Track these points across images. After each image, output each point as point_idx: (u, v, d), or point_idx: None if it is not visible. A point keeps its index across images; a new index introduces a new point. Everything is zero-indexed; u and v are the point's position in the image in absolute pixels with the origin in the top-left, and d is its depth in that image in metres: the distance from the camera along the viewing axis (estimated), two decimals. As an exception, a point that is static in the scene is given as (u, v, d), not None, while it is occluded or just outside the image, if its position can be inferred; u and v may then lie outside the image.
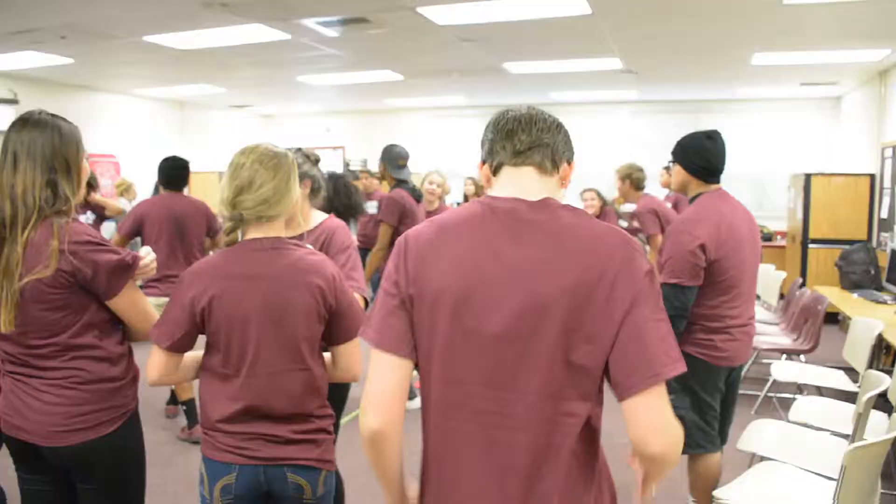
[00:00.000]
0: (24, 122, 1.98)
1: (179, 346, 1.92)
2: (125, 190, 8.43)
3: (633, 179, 5.70)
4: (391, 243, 5.07)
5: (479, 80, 8.97)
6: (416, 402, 4.78)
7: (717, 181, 3.08)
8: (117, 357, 2.06)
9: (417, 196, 5.32)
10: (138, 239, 4.71)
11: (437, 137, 12.26)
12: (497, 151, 1.46)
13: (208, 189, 10.20)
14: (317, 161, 2.74)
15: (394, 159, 5.20)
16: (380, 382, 1.39)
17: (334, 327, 2.00)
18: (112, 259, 1.94)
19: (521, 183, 1.43)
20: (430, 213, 5.48)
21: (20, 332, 1.93)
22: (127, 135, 10.04)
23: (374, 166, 12.14)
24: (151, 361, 1.93)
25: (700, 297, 2.94)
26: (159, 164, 4.82)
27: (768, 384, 5.05)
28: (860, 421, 2.71)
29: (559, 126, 1.50)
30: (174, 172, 4.77)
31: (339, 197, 4.07)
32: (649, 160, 9.90)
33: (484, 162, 1.51)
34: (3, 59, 7.22)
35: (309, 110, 12.76)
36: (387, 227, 5.05)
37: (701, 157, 3.02)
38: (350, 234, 2.77)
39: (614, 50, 7.02)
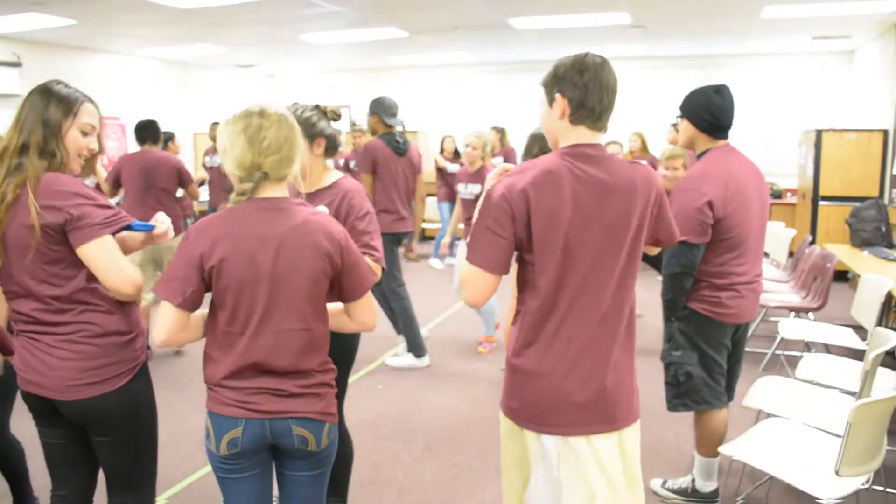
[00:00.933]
0: (33, 88, 2.06)
1: (190, 304, 1.91)
2: None
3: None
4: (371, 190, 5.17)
5: (484, 36, 8.84)
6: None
7: (726, 137, 3.03)
8: (124, 310, 2.11)
9: (398, 147, 5.29)
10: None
11: (442, 95, 12.15)
12: (584, 106, 1.92)
13: (214, 150, 10.15)
14: (336, 118, 2.69)
15: (387, 109, 5.22)
16: (482, 290, 1.96)
17: (343, 286, 2.02)
18: (87, 213, 1.97)
19: (590, 138, 1.96)
20: (472, 176, 5.40)
21: (26, 286, 2.00)
22: (131, 96, 9.95)
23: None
24: (161, 320, 1.91)
25: (707, 253, 2.93)
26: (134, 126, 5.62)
27: (776, 342, 5.05)
28: (867, 378, 2.70)
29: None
30: (143, 130, 5.52)
31: None
32: (658, 116, 9.84)
33: (563, 96, 1.93)
34: (5, 21, 7.12)
35: (314, 69, 12.63)
36: (365, 176, 5.17)
37: (709, 111, 2.97)
38: (366, 197, 2.70)
39: (622, 4, 6.88)
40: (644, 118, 10.09)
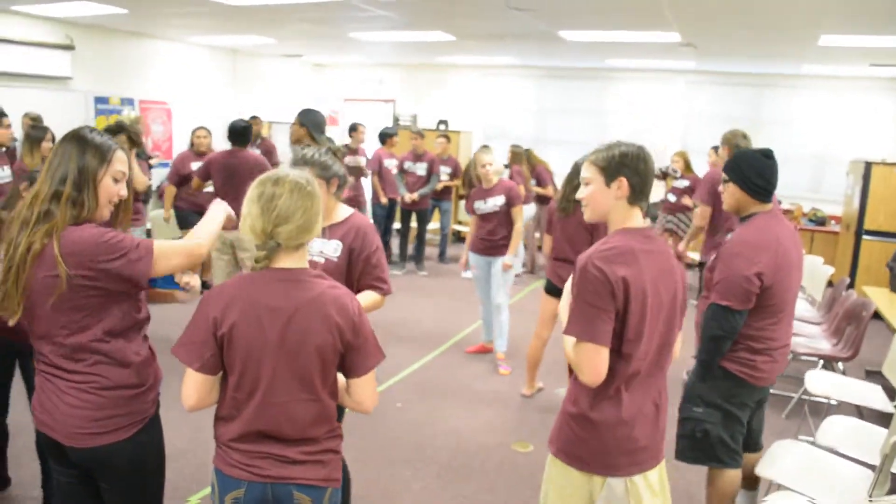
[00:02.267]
0: (65, 135, 2.08)
1: (210, 367, 1.93)
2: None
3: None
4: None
5: (533, 45, 8.75)
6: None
7: (770, 199, 3.00)
8: (138, 364, 2.13)
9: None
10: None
11: (486, 95, 12.09)
12: (643, 192, 2.21)
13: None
14: (344, 155, 2.87)
15: (319, 125, 4.98)
16: (599, 365, 2.11)
17: (350, 361, 2.00)
18: (121, 263, 1.99)
19: (639, 218, 2.24)
20: (486, 191, 5.63)
21: (44, 330, 2.02)
22: (179, 82, 10.07)
23: (424, 122, 12.11)
24: (186, 387, 1.94)
25: (748, 318, 2.92)
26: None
27: (802, 389, 4.92)
28: (885, 464, 2.62)
29: None
30: (234, 131, 5.89)
31: None
32: (706, 133, 9.65)
33: (628, 181, 2.17)
34: (59, 7, 7.27)
35: (361, 62, 12.65)
36: None
37: (761, 176, 2.93)
38: (376, 232, 2.88)
39: (672, 24, 6.74)
40: (691, 134, 9.91)
